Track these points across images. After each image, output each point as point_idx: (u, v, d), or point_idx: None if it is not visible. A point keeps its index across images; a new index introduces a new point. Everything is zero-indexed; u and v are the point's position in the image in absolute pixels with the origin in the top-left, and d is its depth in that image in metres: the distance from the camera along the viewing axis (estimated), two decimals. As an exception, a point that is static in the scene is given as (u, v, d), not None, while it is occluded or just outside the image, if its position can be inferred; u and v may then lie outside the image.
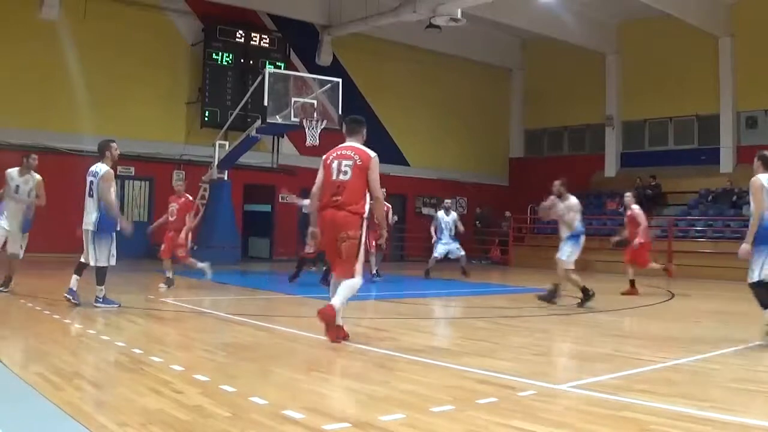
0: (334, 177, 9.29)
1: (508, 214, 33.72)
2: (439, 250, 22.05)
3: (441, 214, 22.37)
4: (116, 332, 9.96)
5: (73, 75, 25.22)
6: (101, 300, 12.10)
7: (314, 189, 9.57)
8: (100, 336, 9.49)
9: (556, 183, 14.79)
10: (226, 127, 26.32)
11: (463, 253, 22.24)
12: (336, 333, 9.23)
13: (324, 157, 9.63)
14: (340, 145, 9.57)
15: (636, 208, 18.04)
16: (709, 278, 23.78)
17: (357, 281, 9.42)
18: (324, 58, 31.89)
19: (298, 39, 31.55)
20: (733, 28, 30.08)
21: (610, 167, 34.92)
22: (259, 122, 22.96)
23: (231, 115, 26.76)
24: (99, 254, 12.02)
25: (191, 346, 9.42)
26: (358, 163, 9.23)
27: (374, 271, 19.44)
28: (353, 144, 9.51)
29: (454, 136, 36.00)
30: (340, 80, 23.99)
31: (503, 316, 13.53)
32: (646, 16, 30.80)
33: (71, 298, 12.11)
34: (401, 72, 34.16)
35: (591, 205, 32.49)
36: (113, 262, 12.27)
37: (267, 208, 30.91)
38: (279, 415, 5.67)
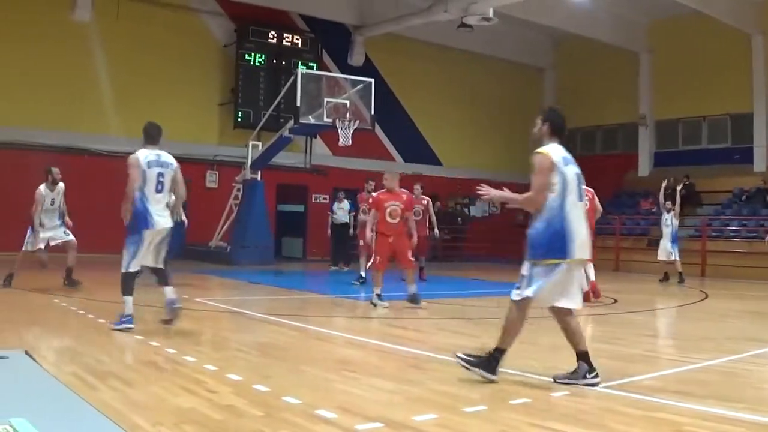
0: None
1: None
2: None
3: None
4: (150, 332, 10.00)
5: (106, 76, 25.36)
6: None
7: None
8: (134, 335, 9.54)
9: None
10: (258, 127, 26.36)
11: None
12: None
13: None
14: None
15: None
16: (743, 278, 23.62)
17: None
18: (356, 59, 31.91)
19: (330, 39, 31.59)
20: (765, 26, 29.80)
21: (644, 166, 34.66)
22: (291, 123, 22.96)
23: (264, 115, 26.75)
24: None
25: (224, 345, 9.47)
26: (589, 196, 13.29)
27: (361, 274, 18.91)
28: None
29: (486, 136, 35.93)
30: (372, 80, 23.96)
31: (535, 316, 13.48)
32: (678, 14, 30.54)
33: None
34: (433, 72, 34.13)
35: (624, 204, 32.40)
36: None
37: (300, 208, 30.99)
38: (312, 414, 5.69)
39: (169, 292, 10.12)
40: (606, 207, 25.87)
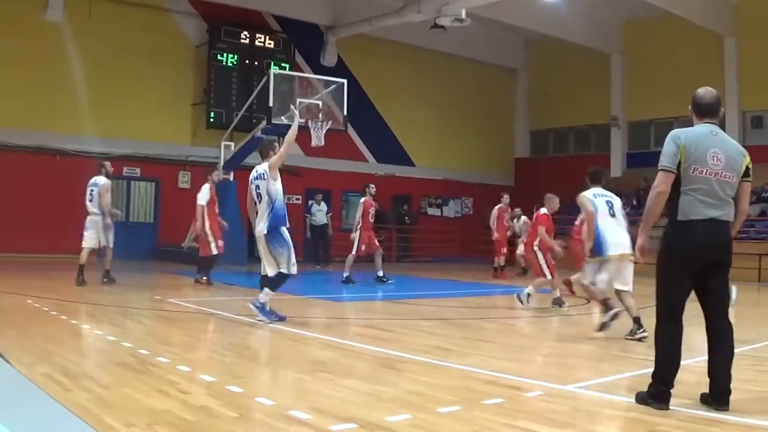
0: None
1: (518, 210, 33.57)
2: None
3: None
4: (123, 333, 9.97)
5: (79, 77, 25.15)
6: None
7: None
8: (106, 337, 9.50)
9: None
10: (231, 128, 26.32)
11: None
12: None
13: None
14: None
15: None
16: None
17: None
18: (329, 59, 31.87)
19: (303, 40, 31.52)
20: (738, 28, 29.99)
21: (616, 167, 34.77)
22: (264, 123, 22.93)
23: (236, 116, 26.68)
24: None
25: (198, 346, 9.44)
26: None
27: (380, 274, 19.41)
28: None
29: (459, 137, 35.95)
30: (345, 81, 23.95)
31: (509, 316, 13.54)
32: (650, 16, 30.71)
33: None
34: (406, 72, 34.11)
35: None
36: None
37: (272, 208, 30.86)
38: (285, 415, 5.69)
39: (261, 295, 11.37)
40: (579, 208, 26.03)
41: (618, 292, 10.67)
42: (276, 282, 11.26)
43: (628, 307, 10.54)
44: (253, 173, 11.58)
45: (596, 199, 10.99)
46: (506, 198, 22.58)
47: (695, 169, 6.19)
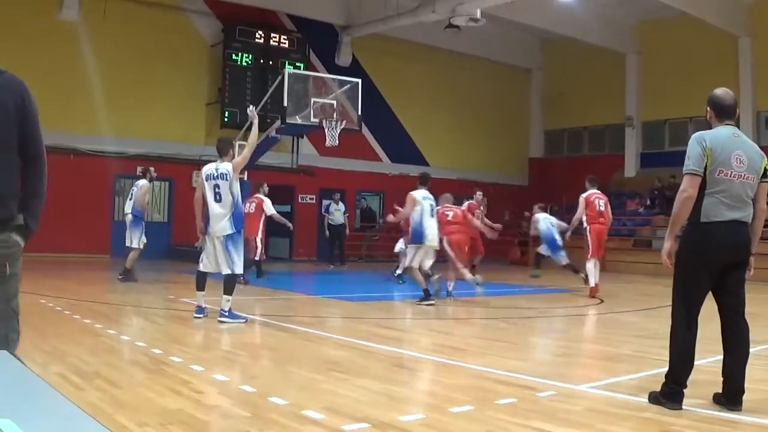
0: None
1: (527, 214, 33.52)
2: None
3: None
4: (136, 332, 10.00)
5: (94, 76, 25.16)
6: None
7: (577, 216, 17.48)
8: (120, 336, 9.53)
9: None
10: (245, 127, 26.31)
11: None
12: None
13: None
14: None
15: None
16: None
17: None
18: (343, 59, 31.87)
19: (318, 39, 31.52)
20: (753, 28, 29.86)
21: (630, 167, 34.70)
22: (278, 123, 22.90)
23: (251, 115, 26.70)
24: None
25: (211, 346, 9.45)
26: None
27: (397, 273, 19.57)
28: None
29: (473, 136, 35.92)
30: (359, 81, 23.92)
31: (522, 316, 13.52)
32: (665, 16, 30.59)
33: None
34: (421, 72, 34.10)
35: (610, 205, 32.38)
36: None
37: (286, 208, 30.82)
38: (298, 415, 5.69)
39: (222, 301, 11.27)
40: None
41: (421, 269, 14.44)
42: (233, 285, 11.31)
43: (419, 282, 14.39)
44: (212, 171, 11.42)
45: (424, 201, 14.38)
46: (479, 195, 21.21)
47: (720, 171, 6.12)
